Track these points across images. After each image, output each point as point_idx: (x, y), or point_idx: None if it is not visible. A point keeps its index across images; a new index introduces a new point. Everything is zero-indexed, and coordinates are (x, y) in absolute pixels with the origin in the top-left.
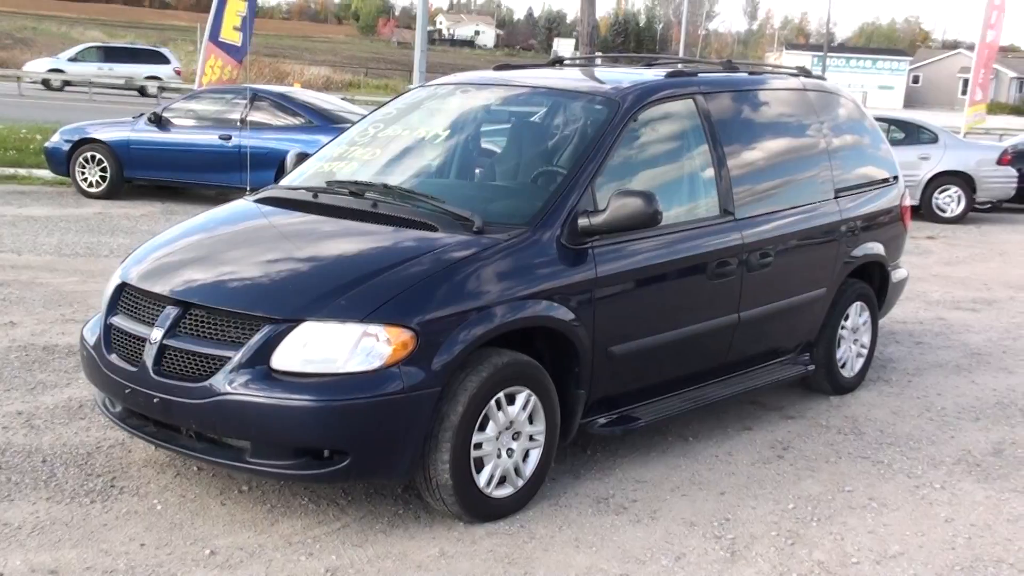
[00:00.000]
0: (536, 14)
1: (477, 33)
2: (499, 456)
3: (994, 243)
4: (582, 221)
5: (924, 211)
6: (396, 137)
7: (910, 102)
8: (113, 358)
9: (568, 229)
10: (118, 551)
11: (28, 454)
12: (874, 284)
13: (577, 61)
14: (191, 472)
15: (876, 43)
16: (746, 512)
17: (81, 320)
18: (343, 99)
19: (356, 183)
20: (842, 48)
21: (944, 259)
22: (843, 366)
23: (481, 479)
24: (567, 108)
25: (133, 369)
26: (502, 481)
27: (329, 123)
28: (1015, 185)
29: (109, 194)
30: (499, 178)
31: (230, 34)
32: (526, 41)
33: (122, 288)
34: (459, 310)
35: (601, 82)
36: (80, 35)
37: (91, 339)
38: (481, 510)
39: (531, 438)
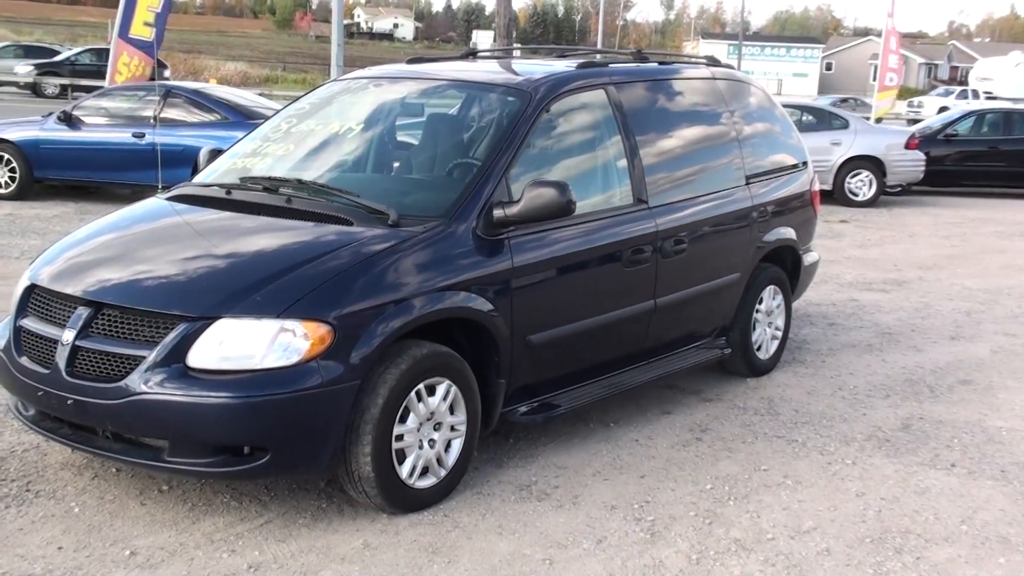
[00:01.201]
0: (455, 6)
1: (396, 26)
2: (421, 447)
3: (904, 225)
4: (497, 212)
5: (837, 195)
6: (310, 132)
7: (824, 89)
8: (24, 361)
9: (484, 220)
10: (35, 555)
11: None
12: (787, 268)
13: (491, 53)
14: (109, 474)
15: (790, 31)
16: (666, 494)
17: None
18: (260, 95)
19: (270, 179)
20: (757, 37)
21: (856, 242)
22: (759, 349)
23: (403, 470)
24: (480, 100)
25: (45, 371)
26: (424, 472)
27: (245, 119)
28: (923, 168)
29: (19, 195)
30: (414, 171)
31: (141, 30)
32: (445, 34)
33: (32, 290)
34: (376, 303)
35: (514, 74)
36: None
37: (0, 343)
38: (404, 501)
39: (452, 428)
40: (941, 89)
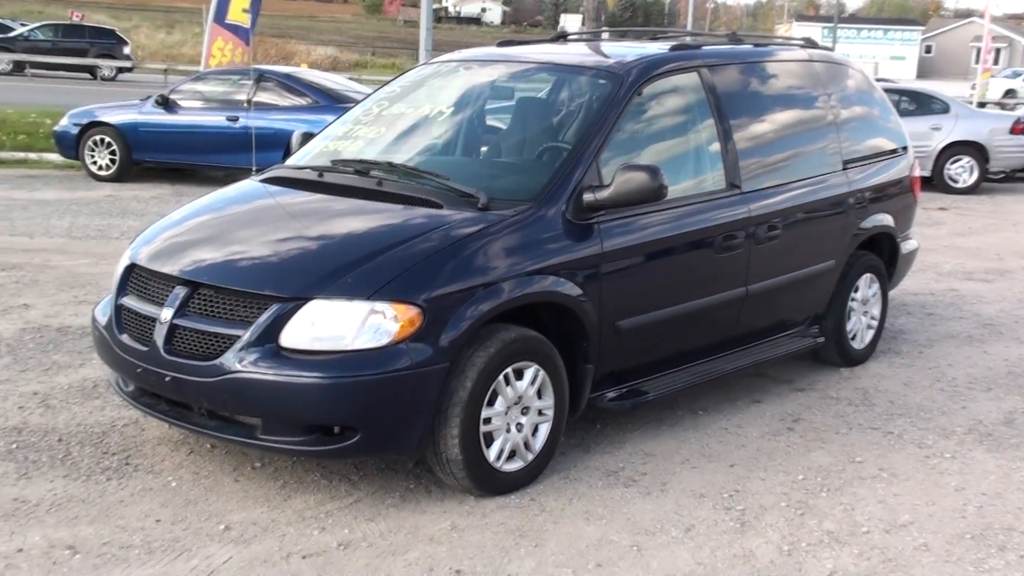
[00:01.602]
0: None
1: (484, 10)
2: (508, 431)
3: (1007, 213)
4: (587, 196)
5: (936, 182)
6: (401, 115)
7: (923, 72)
8: (124, 338)
9: (573, 204)
10: (134, 527)
11: (44, 433)
12: (884, 255)
13: (582, 36)
14: (204, 449)
15: (888, 13)
16: (756, 484)
17: (93, 301)
18: (350, 79)
19: (361, 162)
20: (853, 19)
21: (956, 230)
22: (853, 338)
23: (491, 453)
24: (571, 83)
25: (144, 349)
26: (512, 455)
27: (335, 103)
28: None
29: (119, 177)
30: (504, 154)
31: (239, 16)
32: (533, 18)
33: (132, 269)
34: (465, 286)
35: (605, 57)
36: (87, 20)
37: (103, 320)
38: (491, 484)
39: (540, 413)
40: (1008, 70)
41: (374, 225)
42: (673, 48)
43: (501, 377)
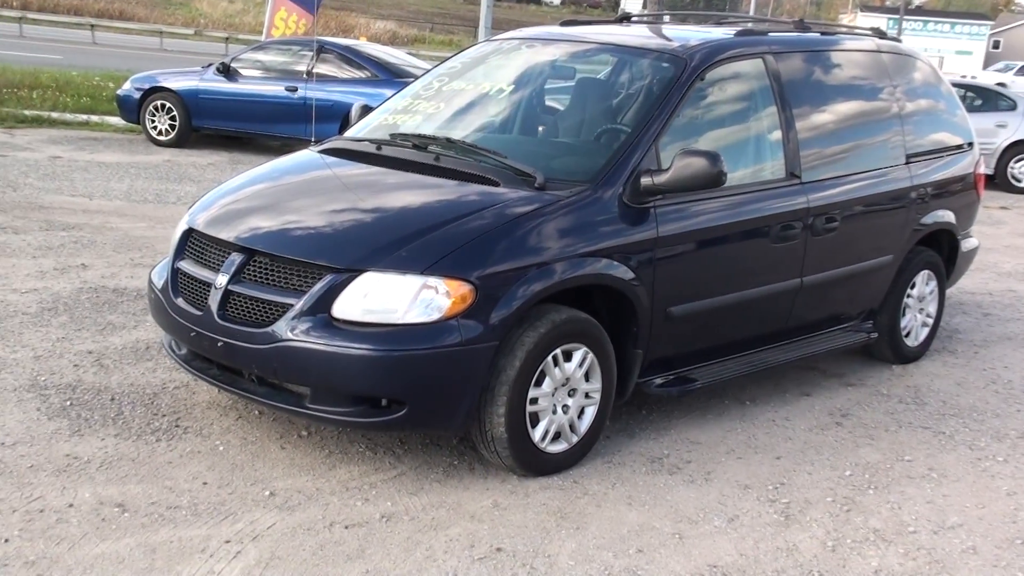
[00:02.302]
0: None
1: None
2: (554, 412)
3: None
4: (645, 180)
5: (999, 180)
6: (460, 91)
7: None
8: (180, 302)
9: (630, 188)
10: (182, 488)
11: (98, 392)
12: (943, 253)
13: (645, 18)
14: (252, 415)
15: (956, 7)
16: (802, 477)
17: (149, 264)
18: (408, 53)
19: (419, 136)
20: (920, 11)
21: (1018, 230)
22: (907, 335)
23: (536, 434)
24: (633, 65)
25: (199, 313)
26: (556, 437)
27: (394, 77)
28: None
29: (178, 142)
30: (562, 135)
31: None
32: None
33: (189, 234)
34: (518, 265)
35: (669, 40)
36: None
37: (159, 283)
38: (535, 464)
39: (587, 395)
40: (1001, 64)
41: (430, 200)
42: (738, 33)
43: (550, 358)
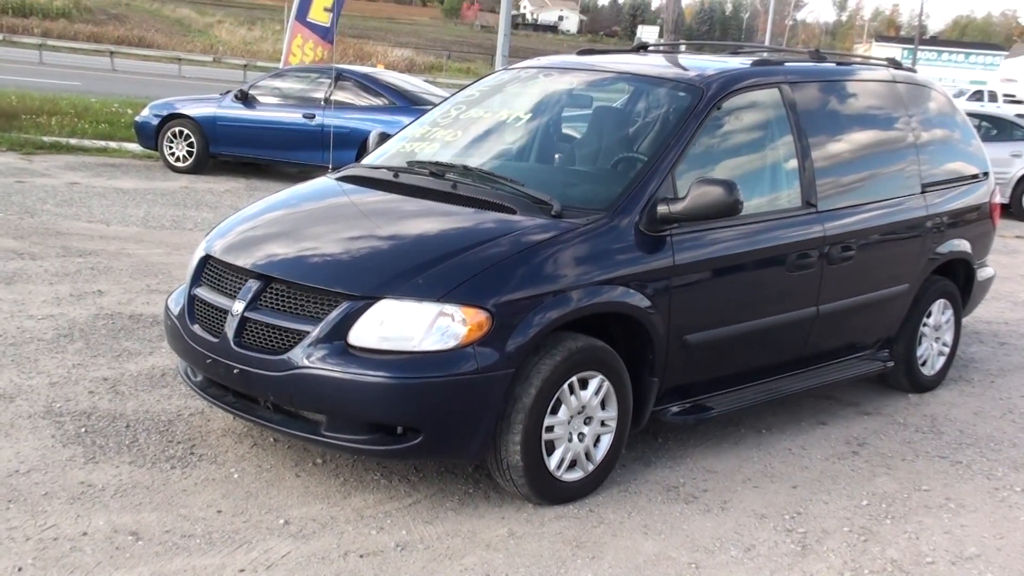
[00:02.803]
0: (620, 1)
1: (561, 18)
2: (570, 440)
3: None
4: (661, 208)
5: (1014, 210)
6: (478, 119)
7: None
8: (196, 328)
9: (647, 216)
10: (196, 516)
11: (112, 419)
12: (959, 282)
13: (661, 48)
14: (268, 443)
15: (970, 37)
16: (818, 507)
17: (166, 291)
18: (426, 81)
19: (437, 164)
20: (934, 41)
21: None
22: (923, 364)
23: (552, 462)
24: (650, 94)
25: (215, 340)
26: (572, 465)
27: (411, 104)
28: None
29: (195, 169)
30: (579, 163)
31: (320, 15)
32: (610, 28)
33: (206, 260)
34: (535, 293)
35: (685, 69)
36: (171, 12)
37: (175, 309)
38: (551, 493)
39: (603, 423)
40: (955, 91)
41: (447, 227)
42: (755, 63)
43: (566, 386)
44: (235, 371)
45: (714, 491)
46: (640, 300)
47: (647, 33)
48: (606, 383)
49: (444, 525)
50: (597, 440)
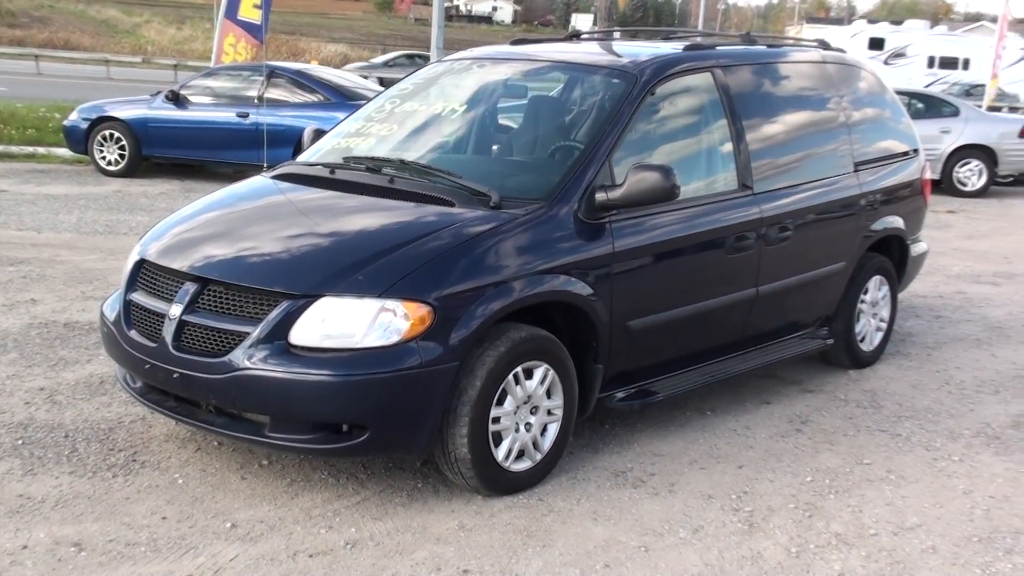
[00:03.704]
0: None
1: (495, 9)
2: (517, 430)
3: (1016, 216)
4: (599, 196)
5: (945, 185)
6: (413, 112)
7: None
8: (133, 334)
9: (586, 204)
10: (140, 524)
11: (50, 429)
12: (894, 258)
13: (595, 35)
14: (212, 447)
15: (898, 15)
16: (764, 485)
17: (101, 297)
18: (361, 76)
19: (373, 159)
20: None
21: (965, 233)
22: (862, 340)
23: (499, 453)
24: (584, 82)
25: (153, 345)
26: (520, 455)
27: (346, 100)
28: None
29: (128, 172)
30: (516, 153)
31: (250, 12)
32: (544, 17)
33: (141, 264)
34: (477, 285)
35: (619, 56)
36: (97, 13)
37: (111, 315)
38: (499, 483)
39: (549, 412)
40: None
41: (385, 223)
42: (687, 48)
43: (511, 376)
44: (175, 375)
45: (661, 474)
46: (582, 288)
47: (581, 21)
48: (551, 372)
49: (394, 521)
50: (544, 429)
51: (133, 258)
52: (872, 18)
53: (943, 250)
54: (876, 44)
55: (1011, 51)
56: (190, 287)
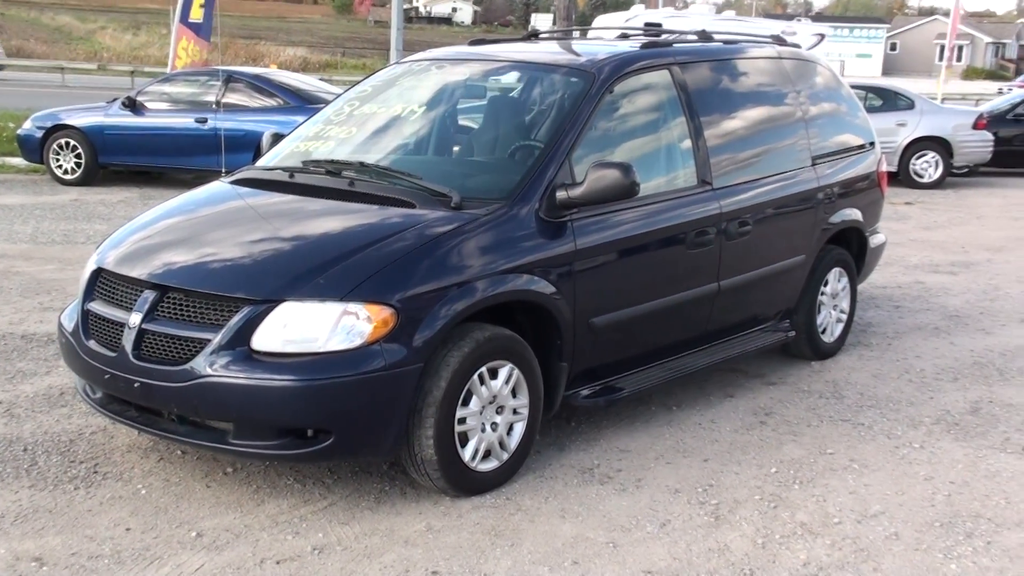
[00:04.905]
0: None
1: (454, 10)
2: (483, 430)
3: (971, 207)
4: (560, 194)
5: (902, 177)
6: (372, 115)
7: (888, 70)
8: (92, 344)
9: (546, 203)
10: (103, 536)
11: (9, 443)
12: (852, 250)
13: (553, 35)
14: (175, 456)
15: (853, 12)
16: (730, 478)
17: (59, 308)
18: (320, 79)
19: (332, 162)
20: (819, 17)
21: (922, 224)
22: (823, 332)
23: (466, 453)
24: (543, 82)
25: (112, 354)
26: (487, 455)
27: (306, 103)
28: (991, 149)
29: (84, 181)
30: (476, 153)
31: (197, 13)
32: (503, 17)
33: (99, 274)
34: (439, 286)
35: (577, 55)
36: (51, 20)
37: (69, 326)
38: (467, 484)
39: (515, 411)
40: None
41: (346, 225)
42: (644, 46)
43: (475, 376)
44: (136, 385)
45: (628, 470)
46: (545, 287)
47: (541, 21)
48: (516, 371)
49: (361, 525)
50: (510, 428)
51: (90, 267)
52: (830, 14)
53: (901, 241)
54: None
55: (802, 36)
56: (149, 295)
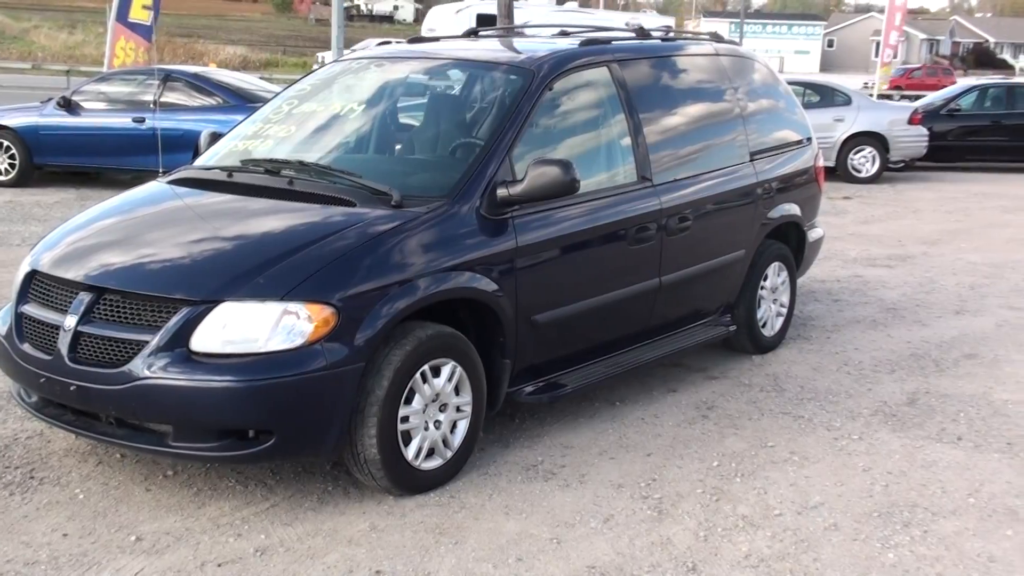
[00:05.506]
0: None
1: (396, 8)
2: (426, 428)
3: (908, 201)
4: (501, 191)
5: (840, 172)
6: (311, 113)
7: (826, 66)
8: (26, 348)
9: (487, 200)
10: (40, 542)
11: None
12: (791, 244)
13: (493, 32)
14: (114, 460)
15: (791, 8)
16: (672, 472)
17: None
18: (261, 78)
19: (271, 161)
20: (759, 14)
21: (860, 218)
22: (764, 325)
23: (409, 452)
24: (483, 79)
25: (47, 358)
26: (430, 453)
27: (246, 102)
28: (926, 144)
29: (19, 182)
30: (417, 151)
31: (140, 14)
32: None
33: (33, 276)
34: (380, 284)
35: (516, 52)
36: None
37: (2, 329)
38: (410, 483)
39: (458, 409)
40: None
41: (285, 225)
42: (583, 43)
43: (418, 375)
44: (72, 388)
45: (572, 466)
46: (487, 284)
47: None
48: (458, 369)
49: (304, 525)
50: (454, 426)
51: (24, 269)
52: (768, 11)
53: (840, 235)
54: (486, 21)
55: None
56: (85, 297)
